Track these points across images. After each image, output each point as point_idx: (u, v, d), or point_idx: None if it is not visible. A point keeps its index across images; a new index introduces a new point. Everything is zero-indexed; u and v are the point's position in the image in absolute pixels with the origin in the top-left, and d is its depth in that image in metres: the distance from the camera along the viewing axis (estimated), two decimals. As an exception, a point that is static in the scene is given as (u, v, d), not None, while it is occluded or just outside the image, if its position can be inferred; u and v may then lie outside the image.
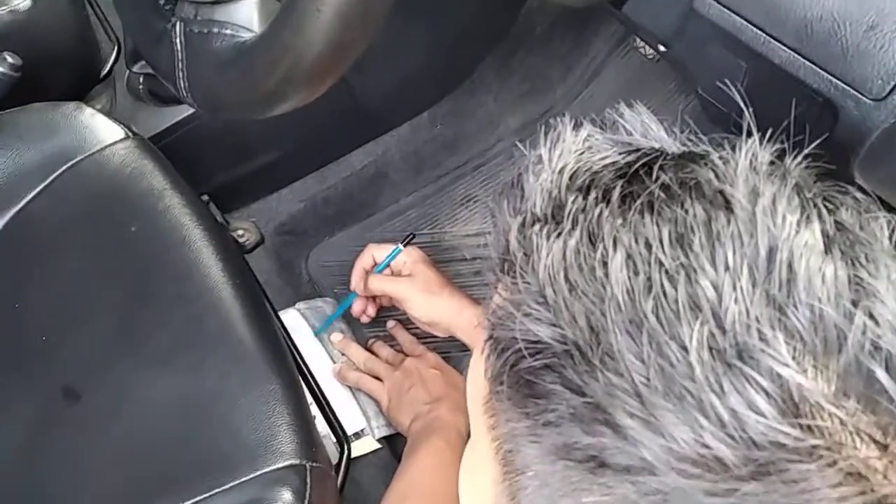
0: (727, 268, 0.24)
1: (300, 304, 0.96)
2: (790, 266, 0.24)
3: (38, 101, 0.82)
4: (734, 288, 0.24)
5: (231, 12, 0.43)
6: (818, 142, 0.30)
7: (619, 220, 0.27)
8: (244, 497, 0.59)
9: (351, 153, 1.11)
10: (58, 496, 0.65)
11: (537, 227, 0.29)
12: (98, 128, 0.80)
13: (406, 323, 0.95)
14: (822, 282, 0.24)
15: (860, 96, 0.43)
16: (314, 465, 0.60)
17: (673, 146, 0.32)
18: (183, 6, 0.46)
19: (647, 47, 0.99)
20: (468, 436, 0.82)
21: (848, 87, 0.43)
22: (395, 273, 0.89)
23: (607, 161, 0.31)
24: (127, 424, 0.65)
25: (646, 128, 0.33)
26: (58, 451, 0.67)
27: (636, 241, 0.26)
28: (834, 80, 0.43)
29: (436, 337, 0.90)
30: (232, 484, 0.59)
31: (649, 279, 0.25)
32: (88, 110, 0.81)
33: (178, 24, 0.46)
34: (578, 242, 0.27)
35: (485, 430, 0.32)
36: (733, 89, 0.42)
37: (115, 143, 0.78)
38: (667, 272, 0.25)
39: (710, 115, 0.52)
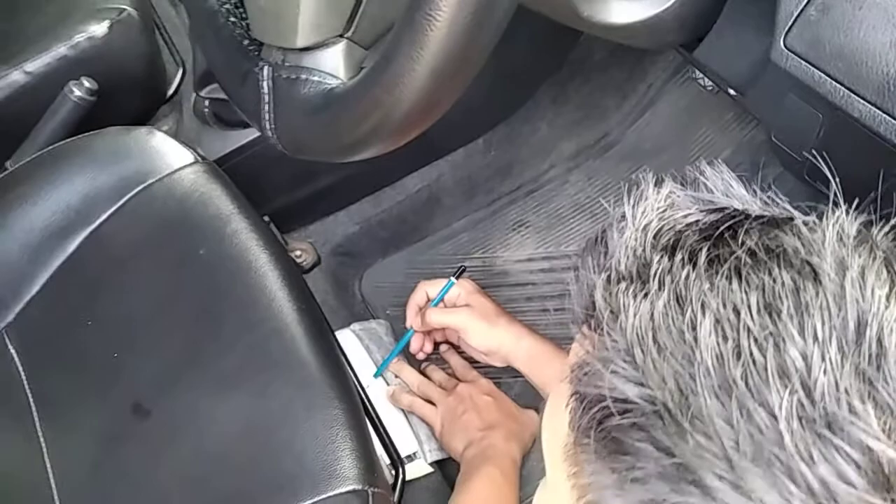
0: (816, 339, 0.25)
1: (355, 325, 0.97)
2: (879, 341, 0.25)
3: (109, 124, 0.86)
4: (823, 359, 0.25)
5: (318, 59, 0.45)
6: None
7: (707, 284, 0.28)
8: (307, 521, 0.60)
9: (405, 177, 1.12)
10: (123, 510, 0.67)
11: (623, 285, 0.30)
12: (168, 152, 0.82)
13: (458, 352, 0.95)
14: None
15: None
16: (375, 490, 0.62)
17: (755, 206, 0.33)
18: (270, 51, 0.48)
19: (706, 78, 0.99)
20: (522, 463, 0.83)
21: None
22: (450, 306, 0.90)
23: (690, 220, 0.32)
24: (194, 444, 0.67)
25: (727, 186, 0.34)
26: (127, 466, 0.69)
27: (724, 307, 0.27)
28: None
29: (489, 365, 0.91)
30: (295, 507, 0.61)
31: (738, 345, 0.26)
32: (160, 135, 0.84)
33: (265, 68, 0.48)
34: (666, 304, 0.28)
35: (564, 476, 0.33)
36: (810, 139, 0.43)
37: (185, 167, 0.81)
38: (755, 339, 0.26)
39: (783, 161, 0.52)
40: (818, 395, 0.24)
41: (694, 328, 0.27)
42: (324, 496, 0.61)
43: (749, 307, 0.26)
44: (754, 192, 0.34)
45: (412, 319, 0.90)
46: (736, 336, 0.26)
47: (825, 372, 0.24)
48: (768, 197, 0.34)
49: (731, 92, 0.55)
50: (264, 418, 0.66)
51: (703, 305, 0.27)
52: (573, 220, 1.12)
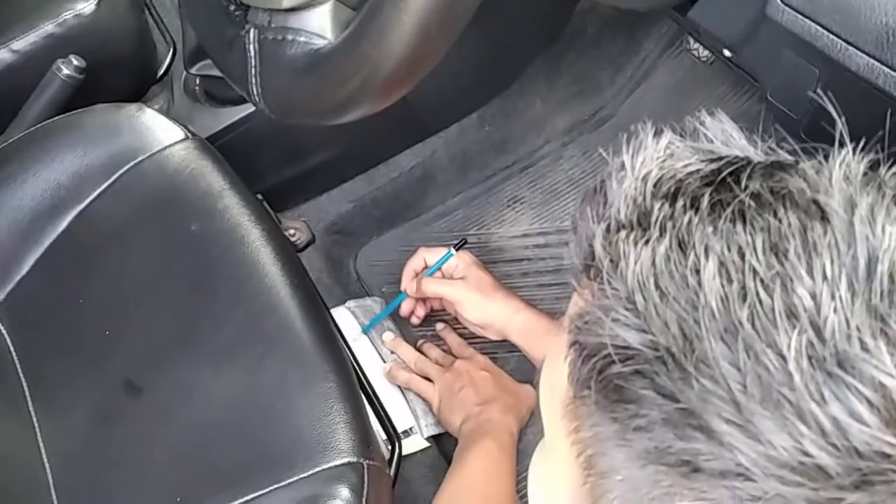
0: (825, 277, 0.24)
1: (350, 303, 0.97)
2: (891, 276, 0.24)
3: (99, 103, 0.85)
4: (833, 297, 0.24)
5: (305, 20, 0.44)
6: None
7: (710, 228, 0.27)
8: (303, 493, 0.60)
9: (399, 154, 1.12)
10: (120, 487, 0.67)
11: (623, 233, 0.29)
12: (158, 128, 0.81)
13: (453, 325, 0.95)
14: None
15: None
16: (371, 463, 0.61)
17: (756, 155, 0.32)
18: (256, 13, 0.47)
19: (701, 49, 0.99)
20: (519, 437, 0.83)
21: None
22: (447, 276, 0.89)
23: (691, 169, 0.31)
24: (188, 420, 0.66)
25: (727, 136, 0.33)
26: (121, 444, 0.68)
27: (728, 249, 0.26)
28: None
29: (483, 339, 0.90)
30: (290, 480, 0.61)
31: (743, 287, 0.25)
32: (150, 111, 0.83)
33: (251, 30, 0.47)
34: (668, 249, 0.27)
35: (563, 433, 0.32)
36: (806, 95, 0.42)
37: (175, 143, 0.80)
38: (761, 280, 0.25)
39: (779, 120, 0.52)
40: (828, 333, 0.23)
41: (697, 272, 0.26)
42: (319, 469, 0.60)
43: (754, 249, 0.26)
44: (755, 142, 0.33)
45: (407, 283, 0.90)
46: (741, 278, 0.25)
47: (835, 310, 0.24)
48: (769, 148, 0.33)
49: (727, 53, 0.54)
50: (258, 393, 0.65)
51: (706, 249, 0.26)
52: (568, 196, 1.11)
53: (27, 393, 0.74)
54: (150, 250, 0.76)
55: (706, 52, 1.00)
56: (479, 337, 0.91)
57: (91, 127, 0.81)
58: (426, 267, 0.90)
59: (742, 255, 0.26)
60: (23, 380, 0.74)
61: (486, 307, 0.84)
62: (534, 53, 1.10)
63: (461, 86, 1.04)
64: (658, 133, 0.33)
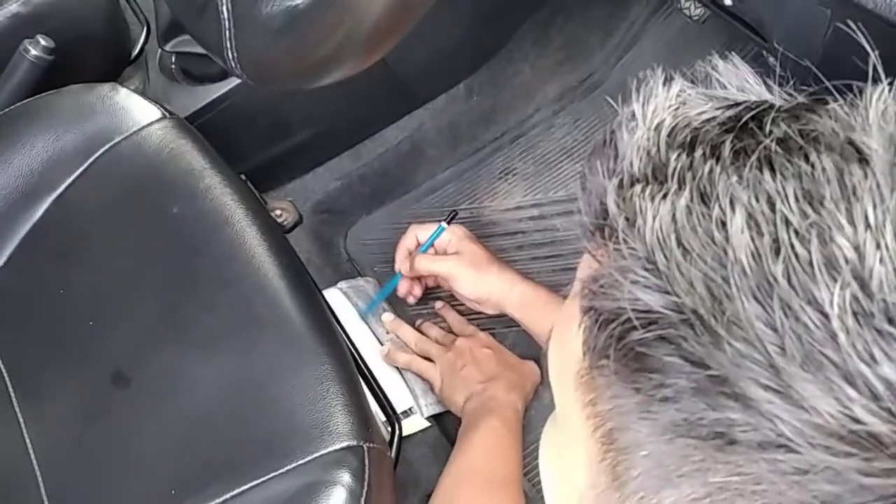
0: (868, 225, 0.22)
1: (342, 284, 0.94)
2: None
3: (71, 85, 0.81)
4: (878, 247, 0.22)
5: (281, -26, 0.41)
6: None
7: (735, 178, 0.25)
8: (302, 480, 0.58)
9: (386, 129, 1.09)
10: (112, 482, 0.64)
11: (638, 188, 0.27)
12: (134, 108, 0.78)
13: (450, 302, 0.93)
14: None
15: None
16: (371, 445, 0.59)
17: (777, 100, 0.30)
18: (229, -29, 0.44)
19: (693, 7, 0.96)
20: (524, 414, 0.81)
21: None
22: (440, 252, 0.87)
23: (706, 116, 0.29)
24: (178, 409, 0.64)
25: (742, 81, 0.31)
26: (110, 437, 0.66)
27: (756, 199, 0.24)
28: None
29: (481, 314, 0.88)
30: (288, 467, 0.58)
31: (776, 240, 0.23)
32: (124, 91, 0.80)
33: (224, -10, 0.44)
34: (689, 203, 0.25)
35: (577, 406, 0.30)
36: (818, 40, 0.39)
37: (152, 123, 0.77)
38: (796, 232, 0.23)
39: (787, 71, 0.49)
40: (875, 286, 0.21)
41: (723, 226, 0.24)
42: (317, 454, 0.58)
43: (786, 197, 0.23)
44: (772, 87, 0.31)
45: (401, 263, 0.87)
46: (773, 230, 0.23)
47: (881, 260, 0.21)
48: (787, 93, 0.30)
49: (727, 1, 0.51)
50: (250, 378, 0.63)
51: (731, 200, 0.24)
52: (561, 165, 1.08)
53: (10, 388, 0.71)
54: (131, 236, 0.73)
55: (698, 11, 0.97)
56: (477, 313, 0.88)
57: (63, 109, 0.77)
58: (418, 244, 0.87)
59: (772, 205, 0.23)
60: (5, 375, 0.72)
61: (481, 282, 0.81)
62: (520, 19, 1.06)
63: (447, 53, 1.01)
64: (668, 80, 0.31)
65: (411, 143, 1.09)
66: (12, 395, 0.71)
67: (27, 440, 0.69)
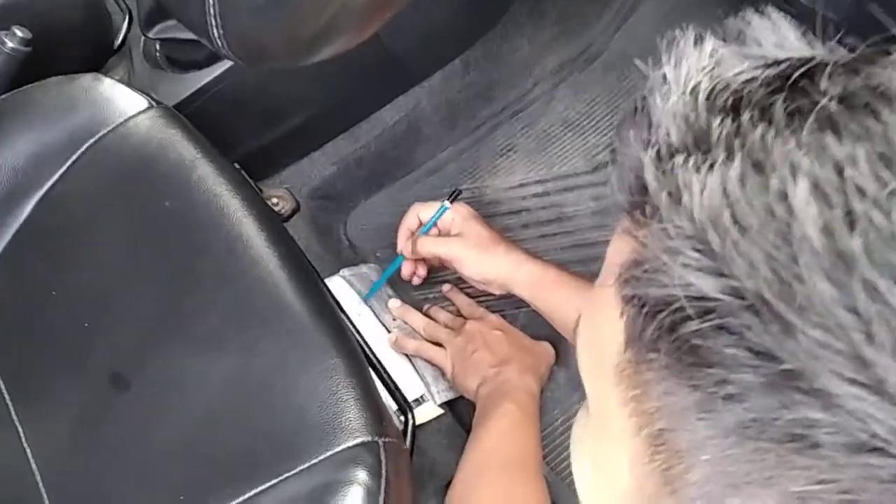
0: None
1: (344, 271, 0.92)
2: None
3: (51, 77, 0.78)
4: None
5: (268, -56, 0.37)
6: None
7: (792, 142, 0.22)
8: (316, 481, 0.55)
9: (381, 109, 1.05)
10: (116, 490, 0.62)
11: (679, 159, 0.24)
12: (119, 99, 0.75)
13: (458, 284, 0.90)
14: None
15: None
16: (387, 440, 0.56)
17: (823, 54, 0.27)
18: (211, -57, 0.41)
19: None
20: (540, 396, 0.78)
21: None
22: (444, 232, 0.84)
23: (745, 77, 0.25)
24: (181, 412, 0.61)
25: (781, 37, 0.27)
26: (113, 442, 0.63)
27: (821, 166, 0.21)
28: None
29: (490, 296, 0.85)
30: (301, 468, 0.56)
31: (850, 211, 0.20)
32: (107, 81, 0.76)
33: (207, -36, 0.41)
34: (742, 174, 0.22)
35: (617, 403, 0.27)
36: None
37: (139, 113, 0.74)
38: (874, 201, 0.20)
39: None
40: None
41: (785, 197, 0.21)
42: (331, 452, 0.55)
43: (856, 162, 0.20)
44: (809, 44, 0.28)
45: (403, 245, 0.84)
46: (844, 200, 0.20)
47: None
48: (830, 49, 0.27)
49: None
50: (256, 376, 0.60)
51: (792, 168, 0.21)
52: (563, 139, 1.05)
53: (6, 395, 0.68)
54: (123, 232, 0.70)
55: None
56: (486, 294, 0.86)
57: (44, 103, 0.74)
58: (421, 224, 0.84)
59: (840, 172, 0.21)
60: (0, 382, 0.69)
61: (486, 262, 0.78)
62: (516, -11, 1.03)
63: (442, 26, 0.97)
64: (699, 40, 0.28)
65: (408, 123, 1.06)
66: (9, 401, 0.68)
67: (27, 449, 0.66)
